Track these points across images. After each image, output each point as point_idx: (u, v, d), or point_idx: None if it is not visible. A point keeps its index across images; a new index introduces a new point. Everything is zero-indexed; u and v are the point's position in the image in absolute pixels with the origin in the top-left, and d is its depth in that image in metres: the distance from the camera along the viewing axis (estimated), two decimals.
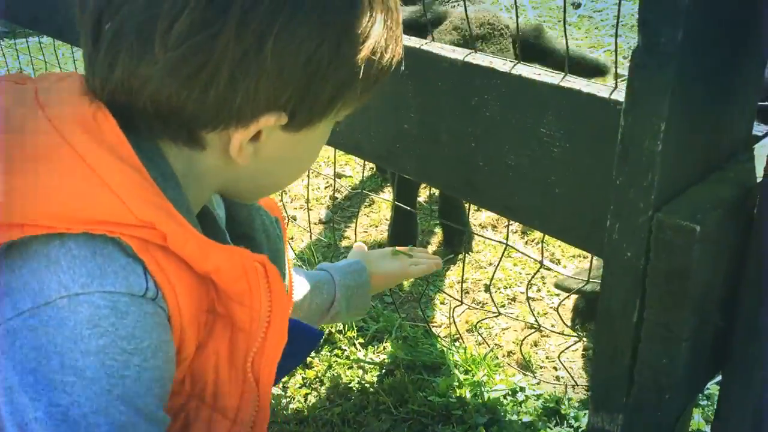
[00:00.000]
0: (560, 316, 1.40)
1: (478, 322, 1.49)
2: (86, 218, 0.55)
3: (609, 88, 0.79)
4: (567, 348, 1.43)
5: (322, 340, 1.36)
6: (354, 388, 1.24)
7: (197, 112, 0.57)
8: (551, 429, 1.13)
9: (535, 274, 1.58)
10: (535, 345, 1.50)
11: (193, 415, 0.67)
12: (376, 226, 1.94)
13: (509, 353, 1.47)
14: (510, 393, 1.22)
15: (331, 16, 0.56)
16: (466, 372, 1.26)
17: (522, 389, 1.23)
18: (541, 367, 1.43)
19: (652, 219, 0.65)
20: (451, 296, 1.55)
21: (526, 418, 1.14)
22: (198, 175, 0.64)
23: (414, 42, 0.99)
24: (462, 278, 1.52)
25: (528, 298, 1.63)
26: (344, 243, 1.88)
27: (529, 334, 1.46)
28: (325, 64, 0.57)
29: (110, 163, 0.55)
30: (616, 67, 0.99)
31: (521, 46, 1.45)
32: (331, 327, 1.37)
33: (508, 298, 1.64)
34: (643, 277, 0.67)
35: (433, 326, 1.55)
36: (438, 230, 1.89)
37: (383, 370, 1.27)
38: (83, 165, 0.55)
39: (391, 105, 1.05)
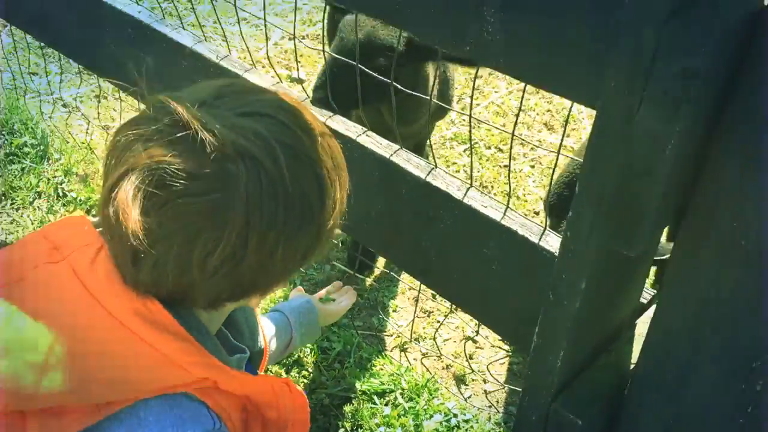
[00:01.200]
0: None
1: (423, 357, 1.75)
2: (161, 387, 0.74)
3: (539, 232, 0.99)
4: (496, 360, 1.71)
5: (291, 362, 1.60)
6: (318, 411, 1.50)
7: (224, 298, 0.77)
8: None
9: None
10: (471, 357, 1.77)
11: None
12: None
13: (448, 366, 1.73)
14: (445, 420, 1.49)
15: (315, 219, 0.75)
16: (410, 399, 1.52)
17: (455, 415, 1.50)
18: (473, 380, 1.70)
19: (550, 405, 0.88)
20: (398, 328, 1.78)
21: None
22: (217, 318, 0.85)
23: (384, 152, 1.17)
24: (419, 289, 1.76)
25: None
26: None
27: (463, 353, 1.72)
28: (312, 249, 0.78)
29: (169, 342, 0.74)
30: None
31: None
32: (299, 352, 1.60)
33: (455, 307, 1.89)
34: None
35: (386, 335, 1.80)
36: None
37: (343, 396, 1.53)
38: (152, 350, 0.73)
39: (363, 192, 1.23)
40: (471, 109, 1.06)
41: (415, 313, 1.73)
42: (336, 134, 1.13)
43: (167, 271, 0.72)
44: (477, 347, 1.79)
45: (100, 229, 0.80)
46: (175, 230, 0.70)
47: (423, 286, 1.95)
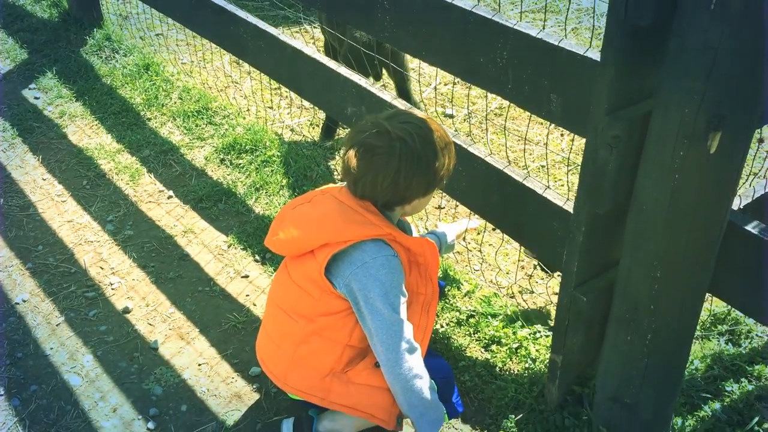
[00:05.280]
0: None
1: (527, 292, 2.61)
2: (370, 234, 1.69)
3: (564, 199, 1.85)
4: None
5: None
6: (454, 323, 2.41)
7: (391, 203, 1.72)
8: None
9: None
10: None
11: (413, 299, 1.84)
12: None
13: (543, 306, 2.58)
14: (532, 333, 2.34)
15: (431, 169, 1.70)
16: (511, 321, 2.39)
17: (539, 331, 2.36)
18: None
19: (572, 291, 1.73)
20: (502, 286, 2.66)
21: (537, 347, 2.28)
22: (391, 217, 1.79)
23: (500, 165, 2.07)
24: (518, 258, 2.62)
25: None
26: None
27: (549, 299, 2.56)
28: (432, 185, 1.72)
29: (373, 216, 1.70)
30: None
31: None
32: (449, 290, 2.52)
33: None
34: (569, 312, 1.77)
35: (500, 288, 2.67)
36: None
37: (471, 315, 2.43)
38: (365, 218, 1.69)
39: (487, 189, 2.11)
40: None
41: (516, 273, 2.59)
42: (475, 158, 2.05)
43: (367, 188, 1.70)
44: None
45: (341, 183, 1.79)
46: (369, 169, 1.68)
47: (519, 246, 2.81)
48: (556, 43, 1.67)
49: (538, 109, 1.80)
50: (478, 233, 2.84)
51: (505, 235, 2.83)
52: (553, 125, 3.56)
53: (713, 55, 1.22)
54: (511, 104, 1.90)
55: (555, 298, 2.58)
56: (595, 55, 1.59)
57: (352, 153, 1.71)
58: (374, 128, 1.70)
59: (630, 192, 1.55)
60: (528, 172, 3.11)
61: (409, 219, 2.07)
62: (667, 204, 1.45)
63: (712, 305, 2.43)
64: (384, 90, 2.39)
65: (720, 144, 1.33)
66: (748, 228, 1.51)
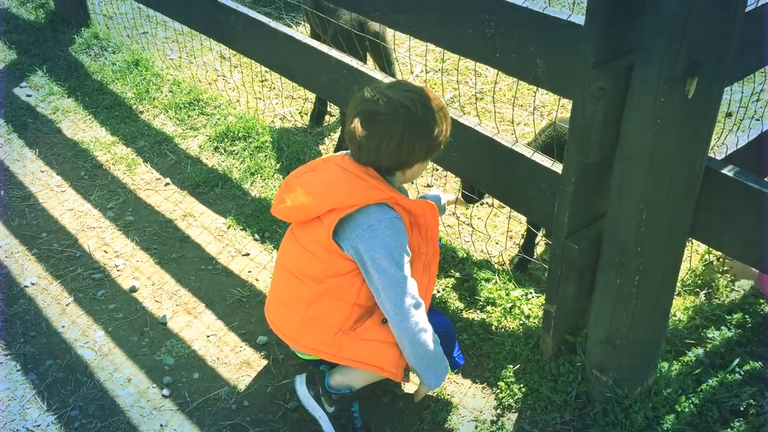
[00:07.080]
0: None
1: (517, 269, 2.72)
2: (374, 198, 1.77)
3: (551, 162, 1.96)
4: None
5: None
6: (450, 287, 2.51)
7: (393, 168, 1.81)
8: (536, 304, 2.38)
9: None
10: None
11: (415, 258, 1.93)
12: None
13: (529, 274, 2.70)
14: (524, 294, 2.45)
15: (431, 135, 1.78)
16: (504, 283, 2.50)
17: (531, 292, 2.47)
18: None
19: (563, 241, 1.84)
20: (498, 242, 2.77)
21: (530, 306, 2.39)
22: (393, 182, 1.88)
23: (489, 133, 2.17)
24: (507, 229, 2.73)
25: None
26: None
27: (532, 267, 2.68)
28: (432, 149, 1.80)
29: (376, 181, 1.78)
30: None
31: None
32: (445, 259, 2.62)
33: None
34: (562, 262, 1.87)
35: (491, 257, 2.78)
36: None
37: (465, 280, 2.53)
38: (369, 184, 1.77)
39: (479, 155, 2.22)
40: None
41: (506, 242, 2.71)
42: (466, 128, 2.15)
43: (371, 153, 1.78)
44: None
45: (343, 152, 1.88)
46: (374, 135, 1.77)
47: (514, 229, 2.92)
48: (540, 11, 1.78)
49: (525, 75, 1.91)
50: (467, 208, 2.94)
51: (492, 208, 2.94)
52: (533, 108, 3.69)
53: (689, 3, 1.33)
54: (493, 90, 2.00)
55: (545, 265, 2.69)
56: (578, 20, 1.70)
57: (357, 120, 1.79)
58: (377, 97, 1.79)
59: (615, 142, 1.66)
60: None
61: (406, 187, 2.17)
62: (651, 148, 1.56)
63: (692, 263, 2.56)
64: (375, 69, 2.49)
65: (697, 89, 1.45)
66: (725, 171, 1.62)
